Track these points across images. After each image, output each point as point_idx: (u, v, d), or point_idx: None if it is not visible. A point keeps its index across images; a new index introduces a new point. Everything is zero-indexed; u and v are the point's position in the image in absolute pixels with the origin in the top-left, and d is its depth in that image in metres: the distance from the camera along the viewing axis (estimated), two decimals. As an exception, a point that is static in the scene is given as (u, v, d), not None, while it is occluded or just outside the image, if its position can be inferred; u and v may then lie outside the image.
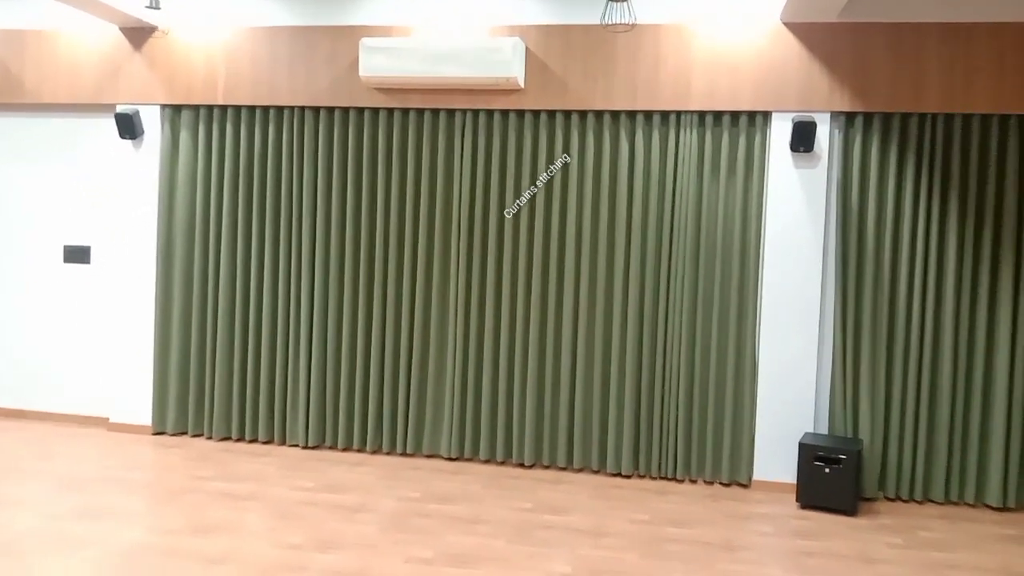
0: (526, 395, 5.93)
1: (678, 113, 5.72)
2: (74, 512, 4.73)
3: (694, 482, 5.76)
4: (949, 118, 5.44)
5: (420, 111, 6.04)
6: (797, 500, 5.31)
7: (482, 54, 5.61)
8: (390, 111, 6.09)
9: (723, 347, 5.69)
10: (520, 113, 5.93)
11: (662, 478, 5.81)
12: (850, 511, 5.18)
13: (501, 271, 5.98)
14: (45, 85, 6.51)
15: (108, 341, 6.66)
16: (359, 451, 6.20)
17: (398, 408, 6.12)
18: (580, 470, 5.93)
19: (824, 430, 5.66)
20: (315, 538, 4.47)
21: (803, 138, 5.44)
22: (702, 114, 5.70)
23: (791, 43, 5.53)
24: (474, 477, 5.68)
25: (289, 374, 6.24)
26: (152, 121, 6.38)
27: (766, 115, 5.64)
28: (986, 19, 5.31)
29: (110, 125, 6.59)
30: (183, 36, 6.29)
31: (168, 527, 4.55)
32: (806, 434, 5.46)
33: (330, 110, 6.16)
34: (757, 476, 5.67)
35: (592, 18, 5.77)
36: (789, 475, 5.62)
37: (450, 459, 6.07)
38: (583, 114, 5.85)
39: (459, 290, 5.99)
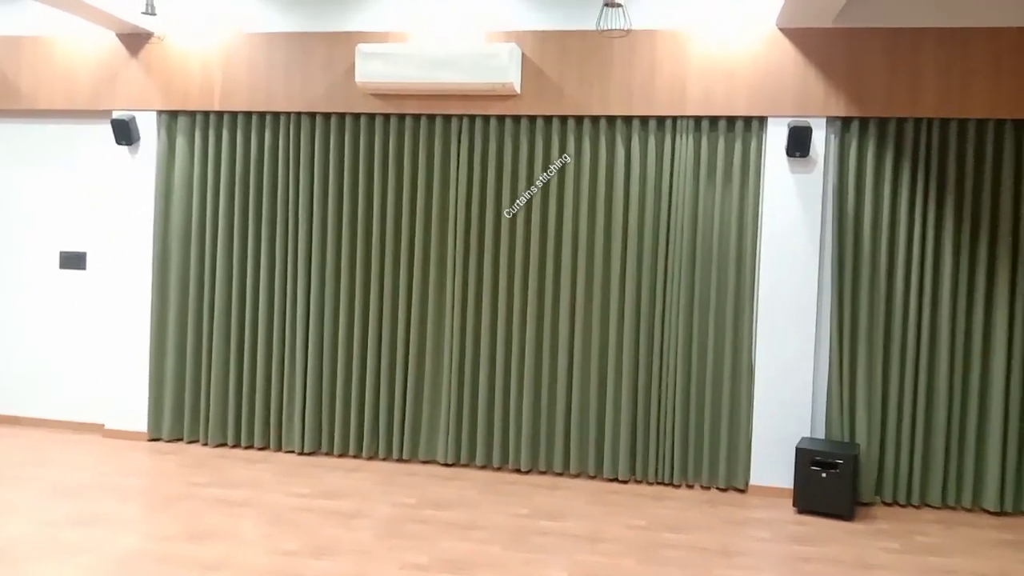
0: (522, 401, 5.92)
1: (674, 118, 5.73)
2: (69, 518, 4.71)
3: (691, 487, 5.74)
4: (945, 123, 5.45)
5: (416, 117, 6.04)
6: (794, 505, 5.30)
7: (478, 60, 5.61)
8: (386, 117, 6.09)
9: (719, 352, 5.68)
10: (516, 119, 5.93)
11: (659, 483, 5.80)
12: (847, 516, 5.17)
13: (497, 277, 5.97)
14: (41, 91, 6.50)
15: (104, 347, 6.65)
16: (355, 457, 6.18)
17: (394, 414, 6.11)
18: (576, 475, 5.91)
19: (821, 435, 5.65)
20: (310, 544, 4.46)
21: (799, 143, 5.44)
22: (698, 119, 5.71)
23: (787, 48, 5.54)
24: (470, 483, 5.66)
25: (285, 380, 6.23)
26: (148, 127, 6.38)
27: (762, 120, 5.64)
28: (981, 24, 5.32)
29: (106, 131, 6.59)
30: (179, 42, 6.29)
31: (163, 533, 4.53)
32: (803, 439, 5.45)
33: (326, 116, 6.16)
34: (754, 481, 5.66)
35: (588, 24, 5.77)
36: (786, 480, 5.61)
37: (446, 465, 6.06)
38: (579, 119, 5.85)
39: (455, 297, 5.98)
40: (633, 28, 5.71)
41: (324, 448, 6.22)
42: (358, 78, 5.75)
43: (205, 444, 6.36)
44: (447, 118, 6.01)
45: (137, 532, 4.54)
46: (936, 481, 5.44)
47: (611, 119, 5.81)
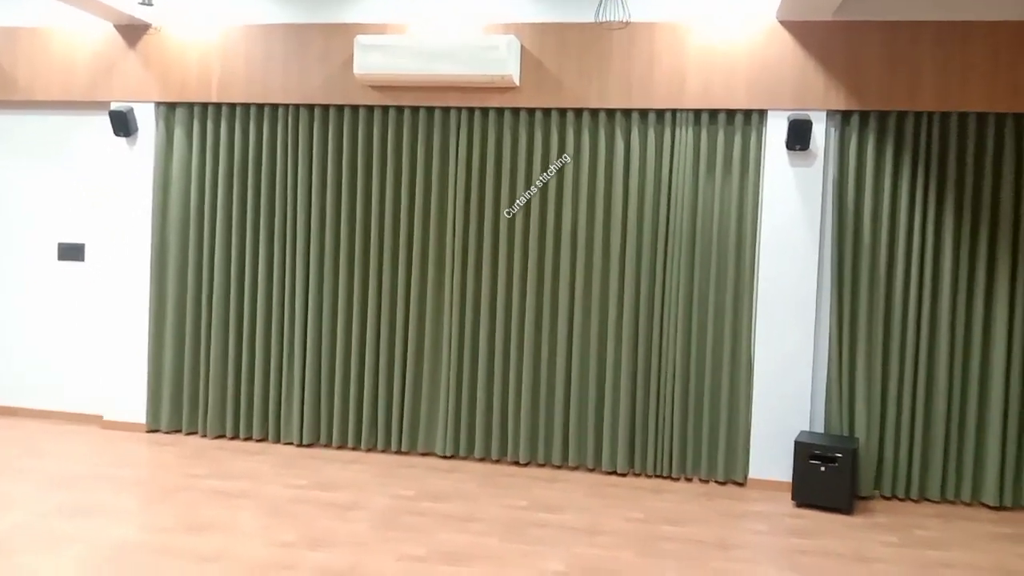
0: (521, 393, 5.91)
1: (673, 111, 5.71)
2: (65, 509, 4.71)
3: (689, 480, 5.74)
4: (945, 116, 5.43)
5: (415, 109, 6.03)
6: (793, 498, 5.29)
7: (477, 52, 5.59)
8: (384, 109, 6.07)
9: (719, 345, 5.67)
10: (515, 111, 5.91)
11: (657, 476, 5.79)
12: (846, 510, 5.17)
13: (496, 268, 5.96)
14: (38, 82, 6.48)
15: (102, 339, 6.64)
16: (353, 449, 6.18)
17: (393, 406, 6.10)
18: (575, 468, 5.91)
19: (820, 428, 5.64)
20: (307, 536, 4.45)
21: (799, 136, 5.43)
22: (697, 112, 5.69)
23: (787, 41, 5.52)
24: (468, 475, 5.66)
25: (284, 372, 6.22)
26: (146, 118, 6.36)
27: (762, 113, 5.62)
28: (981, 17, 5.31)
29: (104, 122, 6.57)
30: (177, 33, 6.27)
31: (160, 525, 4.53)
32: (802, 432, 5.44)
33: (324, 108, 6.14)
34: (752, 474, 5.65)
35: (587, 16, 5.75)
36: (785, 473, 5.60)
37: (445, 457, 6.05)
38: (578, 112, 5.83)
39: (454, 288, 5.97)
40: (632, 20, 5.69)
41: (323, 440, 6.22)
42: (356, 70, 5.73)
43: (204, 436, 6.35)
44: (445, 110, 5.99)
45: (134, 523, 4.53)
46: (935, 475, 5.44)
47: (610, 112, 5.79)
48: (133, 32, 6.32)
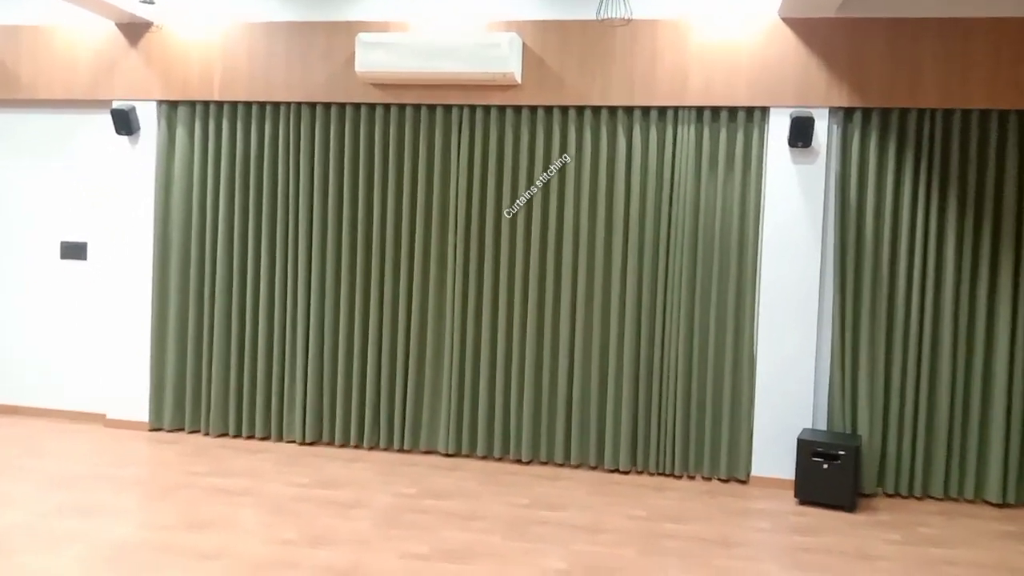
0: (524, 391, 5.90)
1: (675, 108, 5.70)
2: (67, 508, 4.71)
3: (692, 478, 5.73)
4: (948, 113, 5.42)
5: (416, 107, 6.02)
6: (795, 496, 5.28)
7: (479, 50, 5.58)
8: (387, 107, 6.07)
9: (721, 343, 5.66)
10: (517, 109, 5.91)
11: (660, 474, 5.78)
12: (849, 507, 5.16)
13: (498, 266, 5.96)
14: (40, 81, 6.49)
15: (105, 337, 6.64)
16: (356, 447, 6.18)
17: (395, 404, 6.10)
18: (578, 466, 5.90)
19: (823, 426, 5.63)
20: (308, 534, 4.45)
21: (801, 133, 5.42)
22: (699, 109, 5.68)
23: (789, 38, 5.51)
24: (471, 473, 5.65)
25: (286, 370, 6.22)
26: (148, 117, 6.36)
27: (764, 110, 5.61)
28: (983, 14, 5.29)
29: (106, 121, 6.57)
30: (179, 32, 6.27)
31: (161, 523, 4.53)
32: (804, 430, 5.43)
33: (326, 106, 6.14)
34: (755, 472, 5.64)
35: (589, 13, 5.74)
36: (787, 471, 5.59)
37: (447, 455, 6.05)
38: (580, 110, 5.82)
39: (456, 285, 5.97)
40: (634, 17, 5.68)
41: (325, 438, 6.22)
42: (358, 68, 5.73)
43: (206, 434, 6.36)
44: (447, 108, 5.98)
45: (135, 521, 4.54)
46: (938, 472, 5.42)
47: (612, 109, 5.78)
48: (135, 30, 6.32)
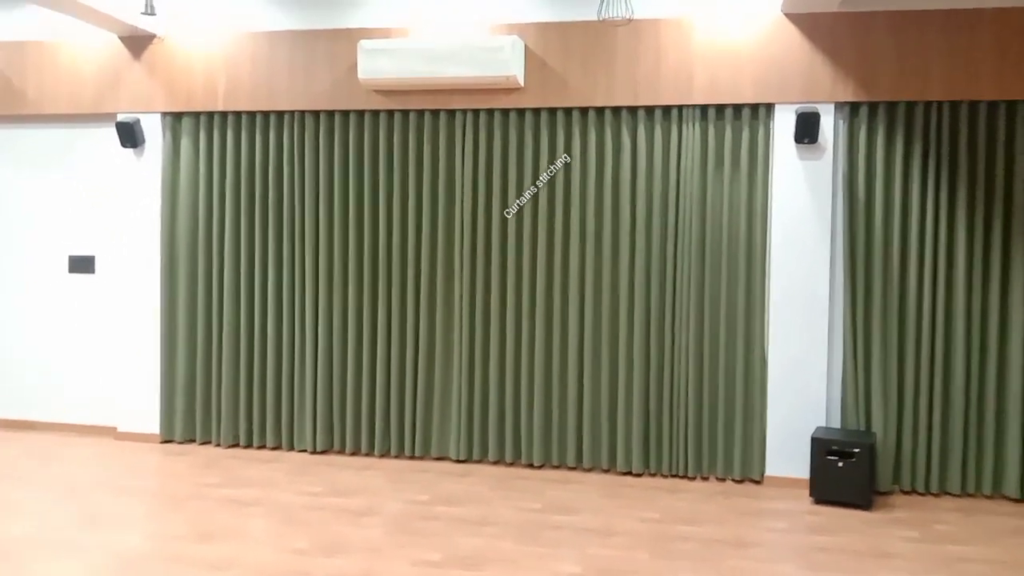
0: (534, 395, 5.88)
1: (680, 107, 5.67)
2: (78, 520, 4.71)
3: (705, 479, 5.69)
4: (955, 106, 5.37)
5: (420, 112, 6.01)
6: (810, 495, 5.23)
7: (481, 53, 5.57)
8: (390, 113, 6.06)
9: (732, 342, 5.62)
10: (521, 112, 5.89)
11: (673, 476, 5.74)
12: (864, 505, 5.10)
13: (505, 270, 5.93)
14: (46, 95, 6.51)
15: (115, 350, 6.65)
16: (367, 455, 6.16)
17: (405, 411, 6.08)
18: (589, 469, 5.87)
19: (836, 424, 5.58)
20: (320, 543, 4.43)
21: (807, 130, 5.38)
22: (704, 108, 5.65)
23: (793, 34, 5.47)
24: (482, 479, 5.63)
25: (296, 379, 6.22)
26: (153, 129, 6.37)
27: (769, 107, 5.58)
28: (988, 4, 5.24)
29: (111, 134, 6.59)
30: (182, 43, 6.28)
31: (173, 533, 4.52)
32: (818, 428, 5.38)
33: (330, 114, 6.13)
34: (769, 472, 5.60)
35: (590, 14, 5.72)
36: (802, 470, 5.54)
37: (458, 461, 6.02)
38: (584, 111, 5.80)
39: (464, 290, 5.95)
40: (636, 16, 5.66)
41: (336, 446, 6.20)
42: (361, 75, 5.72)
43: (217, 445, 6.35)
44: (451, 113, 5.97)
45: (146, 532, 4.53)
46: (955, 468, 5.36)
47: (616, 110, 5.76)
48: (138, 43, 6.34)
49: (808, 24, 5.45)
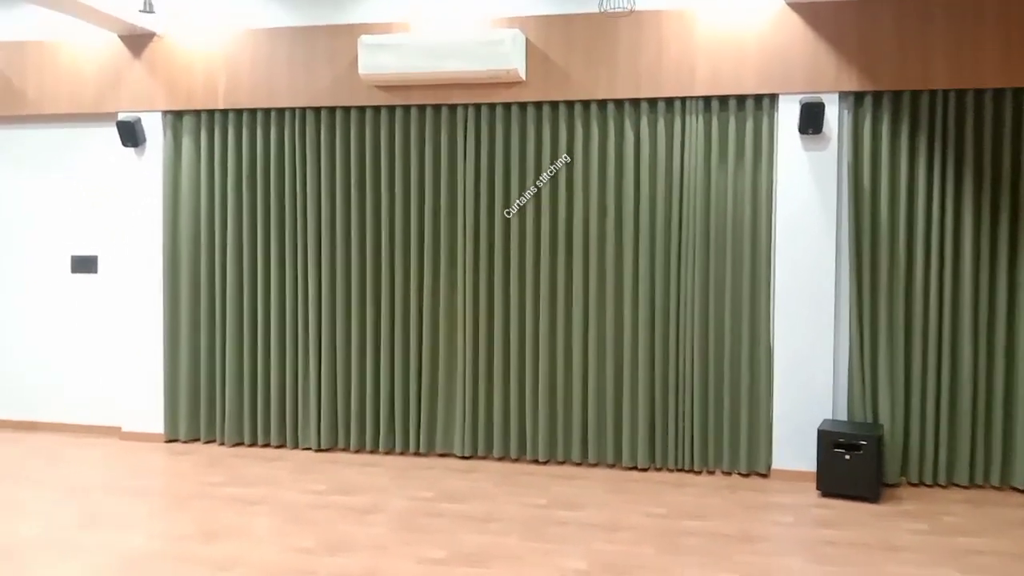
0: (538, 391, 5.85)
1: (683, 99, 5.63)
2: (83, 519, 4.69)
3: (712, 473, 5.66)
4: (960, 94, 5.32)
5: (422, 107, 5.98)
6: (818, 488, 5.20)
7: (482, 47, 5.53)
8: (391, 109, 6.03)
9: (737, 335, 5.59)
10: (523, 105, 5.85)
11: (679, 470, 5.71)
12: (872, 498, 5.07)
13: (509, 266, 5.91)
14: (46, 95, 6.49)
15: (118, 350, 6.64)
16: (371, 452, 6.14)
17: (409, 408, 6.06)
18: (595, 465, 5.84)
19: (843, 416, 5.54)
20: (325, 541, 4.41)
21: (812, 120, 5.33)
22: (707, 99, 5.61)
23: (796, 23, 5.43)
24: (487, 475, 5.60)
25: (299, 377, 6.20)
26: (154, 128, 6.36)
27: (773, 98, 5.53)
28: (995, -10, 5.20)
29: (112, 134, 6.57)
30: (182, 41, 6.26)
31: (177, 533, 4.51)
32: (825, 421, 5.35)
33: (331, 110, 6.11)
34: (776, 465, 5.56)
35: (591, 6, 5.68)
36: (809, 463, 5.51)
37: (463, 458, 6.00)
38: (586, 104, 5.76)
39: (467, 286, 5.92)
40: (638, 8, 5.61)
41: (340, 444, 6.19)
42: (361, 70, 5.70)
43: (222, 444, 6.34)
44: (452, 108, 5.94)
45: (151, 532, 4.51)
46: (963, 460, 5.32)
47: (619, 103, 5.72)
48: (138, 42, 6.31)
49: (811, 13, 5.41)
